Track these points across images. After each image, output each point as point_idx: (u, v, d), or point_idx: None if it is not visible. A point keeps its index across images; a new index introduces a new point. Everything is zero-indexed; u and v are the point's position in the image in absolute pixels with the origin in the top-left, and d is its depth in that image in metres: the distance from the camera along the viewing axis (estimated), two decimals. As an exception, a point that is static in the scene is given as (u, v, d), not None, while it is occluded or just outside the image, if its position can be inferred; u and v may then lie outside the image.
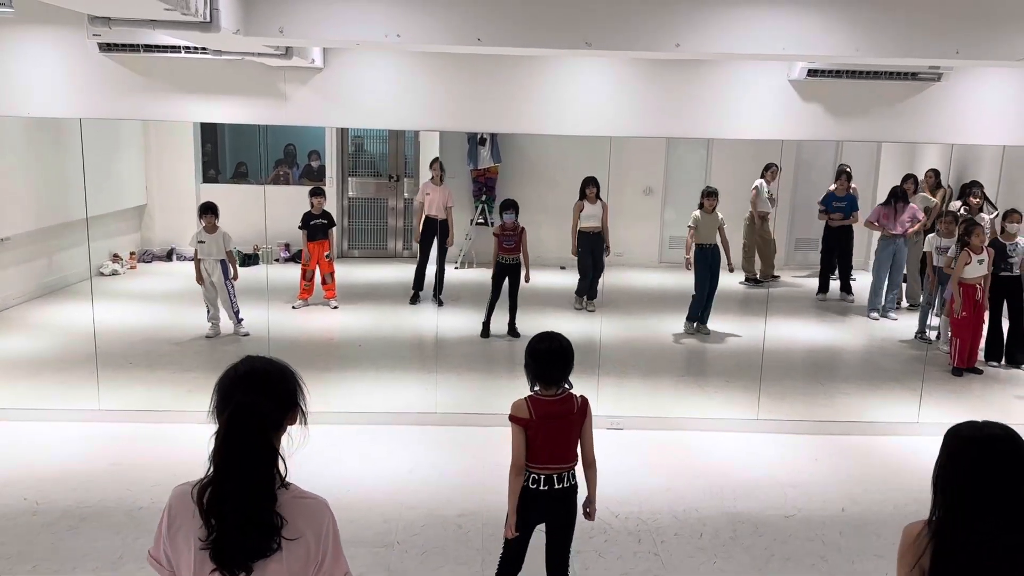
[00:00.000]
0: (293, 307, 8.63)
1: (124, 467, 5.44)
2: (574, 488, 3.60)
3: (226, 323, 7.92)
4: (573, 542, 3.66)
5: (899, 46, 4.76)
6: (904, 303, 9.39)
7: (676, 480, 5.48)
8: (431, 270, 8.79)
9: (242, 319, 7.89)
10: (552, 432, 3.49)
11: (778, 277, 9.97)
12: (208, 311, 7.86)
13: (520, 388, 3.65)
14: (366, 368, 7.49)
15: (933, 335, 8.36)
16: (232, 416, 2.02)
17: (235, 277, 7.86)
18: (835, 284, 9.87)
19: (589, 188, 8.45)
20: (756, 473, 5.65)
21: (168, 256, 10.00)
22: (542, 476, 3.51)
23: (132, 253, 9.80)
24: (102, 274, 9.29)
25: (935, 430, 5.81)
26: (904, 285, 9.37)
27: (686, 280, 8.45)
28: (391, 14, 4.62)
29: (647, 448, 5.97)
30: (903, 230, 8.83)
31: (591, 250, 8.54)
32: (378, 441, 5.90)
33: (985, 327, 7.76)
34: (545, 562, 3.71)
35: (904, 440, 6.24)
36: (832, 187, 9.74)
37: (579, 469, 3.61)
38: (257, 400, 2.08)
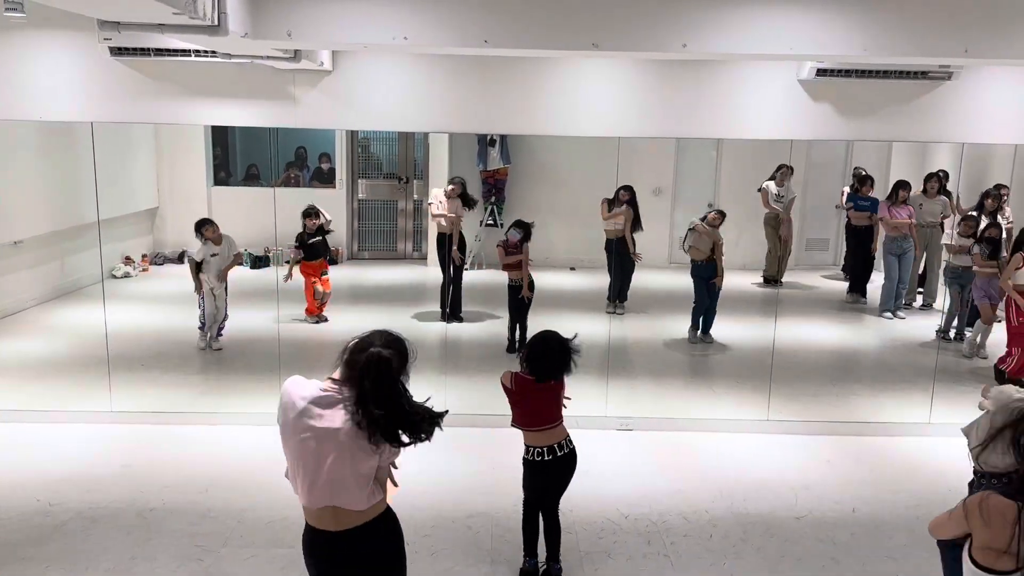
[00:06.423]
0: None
1: (136, 469, 5.47)
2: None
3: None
4: (581, 543, 3.66)
5: (908, 45, 4.74)
6: (917, 302, 9.33)
7: (686, 481, 5.47)
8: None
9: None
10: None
11: (779, 282, 9.93)
12: (207, 329, 7.74)
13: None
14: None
15: (952, 333, 8.30)
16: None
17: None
18: (845, 285, 9.82)
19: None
20: (766, 474, 5.63)
21: (180, 259, 10.02)
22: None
23: (144, 256, 9.85)
24: (114, 277, 9.34)
25: (947, 431, 5.78)
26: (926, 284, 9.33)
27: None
28: (398, 16, 4.64)
29: (657, 449, 5.96)
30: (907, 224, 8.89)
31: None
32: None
33: None
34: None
35: (916, 441, 6.20)
36: (845, 189, 9.74)
37: None
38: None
